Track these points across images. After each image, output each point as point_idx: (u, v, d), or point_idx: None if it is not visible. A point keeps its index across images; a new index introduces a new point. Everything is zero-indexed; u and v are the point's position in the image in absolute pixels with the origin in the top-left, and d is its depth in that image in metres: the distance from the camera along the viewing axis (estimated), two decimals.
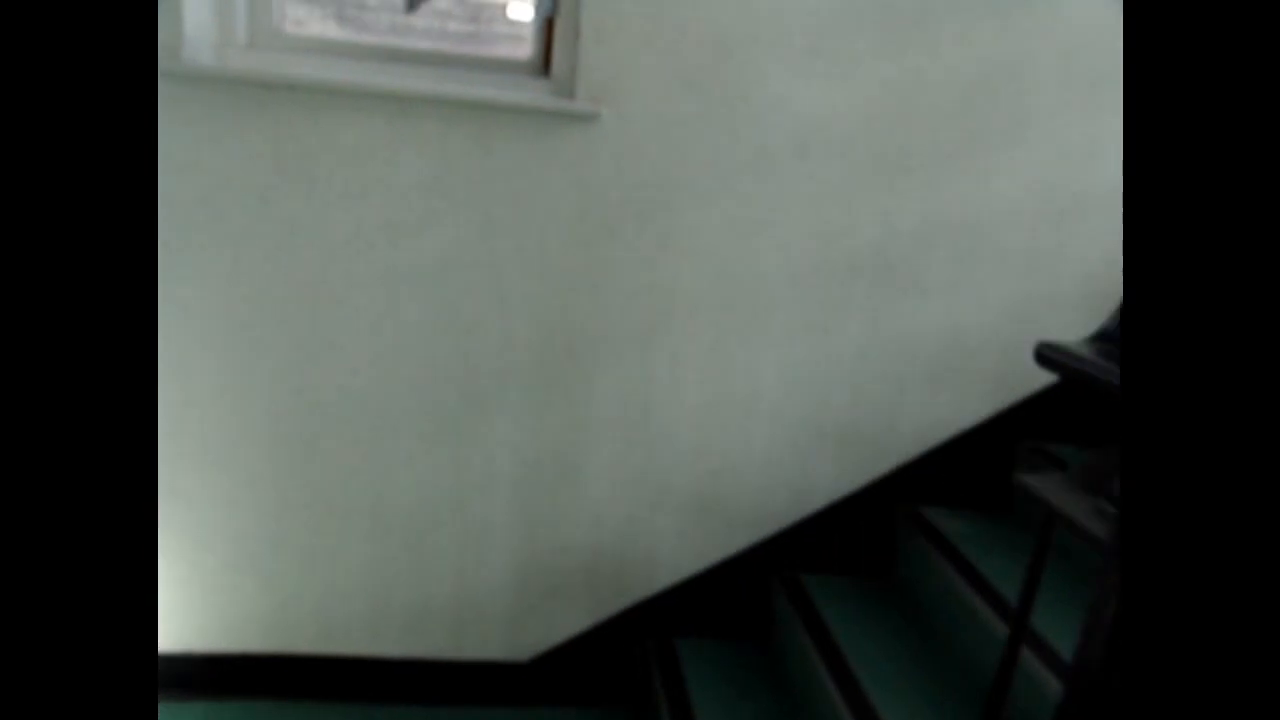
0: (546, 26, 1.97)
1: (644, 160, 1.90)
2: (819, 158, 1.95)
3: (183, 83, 1.78)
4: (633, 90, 1.87)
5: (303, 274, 1.89)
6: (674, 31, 1.85)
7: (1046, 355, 1.14)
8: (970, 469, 2.19)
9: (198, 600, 2.06)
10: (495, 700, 2.19)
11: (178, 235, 1.85)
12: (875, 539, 2.20)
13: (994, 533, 2.09)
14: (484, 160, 1.87)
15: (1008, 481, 2.20)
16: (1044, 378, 2.14)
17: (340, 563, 2.06)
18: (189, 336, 1.91)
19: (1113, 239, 2.10)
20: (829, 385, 2.09)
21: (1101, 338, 1.15)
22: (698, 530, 2.14)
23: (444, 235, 1.90)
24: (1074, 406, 2.17)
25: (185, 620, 2.07)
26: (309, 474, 2.00)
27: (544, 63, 1.99)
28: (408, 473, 2.02)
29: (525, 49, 2.03)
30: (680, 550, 2.14)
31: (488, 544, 2.09)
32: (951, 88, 1.95)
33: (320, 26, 2.39)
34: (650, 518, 2.11)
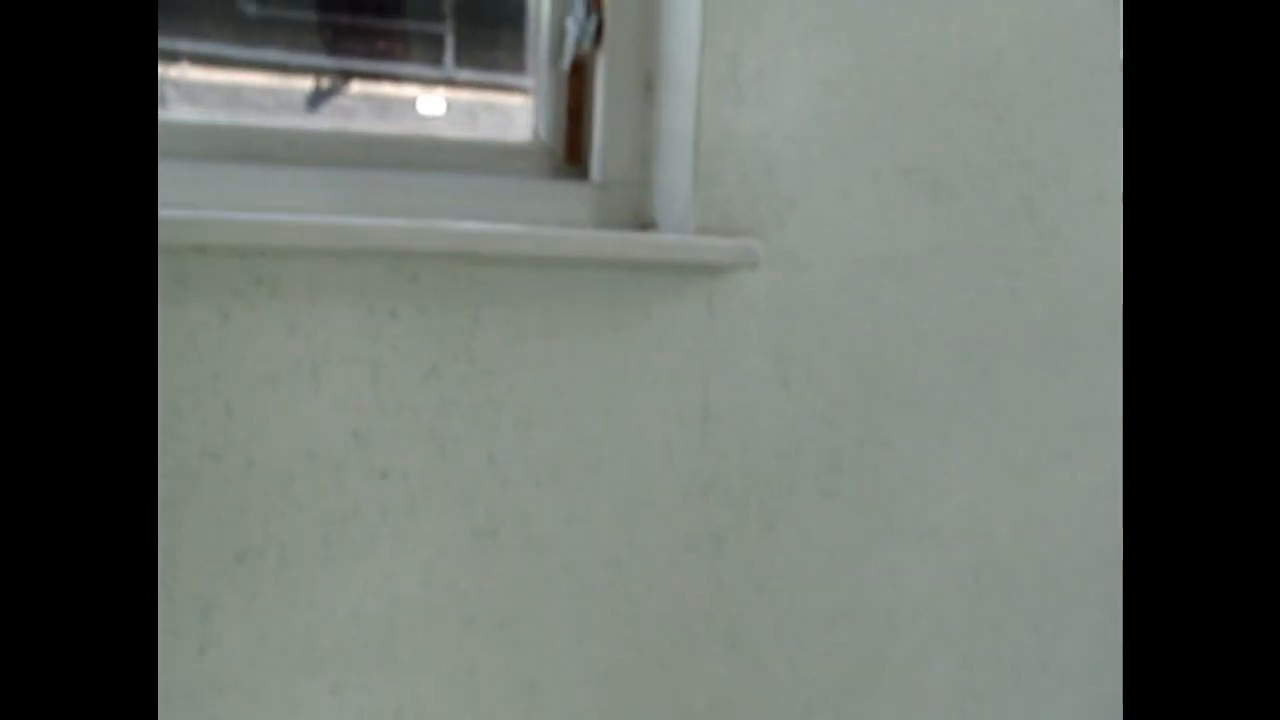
0: (573, 76, 0.92)
1: (843, 352, 0.86)
2: None
3: None
4: (814, 202, 0.83)
5: None
6: (880, 63, 0.84)
7: None
8: None
9: None
10: None
11: None
12: None
13: None
14: (469, 375, 0.79)
15: None
16: None
17: None
18: None
19: None
20: None
21: None
22: None
23: (390, 555, 0.78)
24: None
25: None
26: None
27: (569, 147, 0.94)
28: None
29: (516, 128, 0.97)
30: None
31: None
32: None
33: None
34: None
